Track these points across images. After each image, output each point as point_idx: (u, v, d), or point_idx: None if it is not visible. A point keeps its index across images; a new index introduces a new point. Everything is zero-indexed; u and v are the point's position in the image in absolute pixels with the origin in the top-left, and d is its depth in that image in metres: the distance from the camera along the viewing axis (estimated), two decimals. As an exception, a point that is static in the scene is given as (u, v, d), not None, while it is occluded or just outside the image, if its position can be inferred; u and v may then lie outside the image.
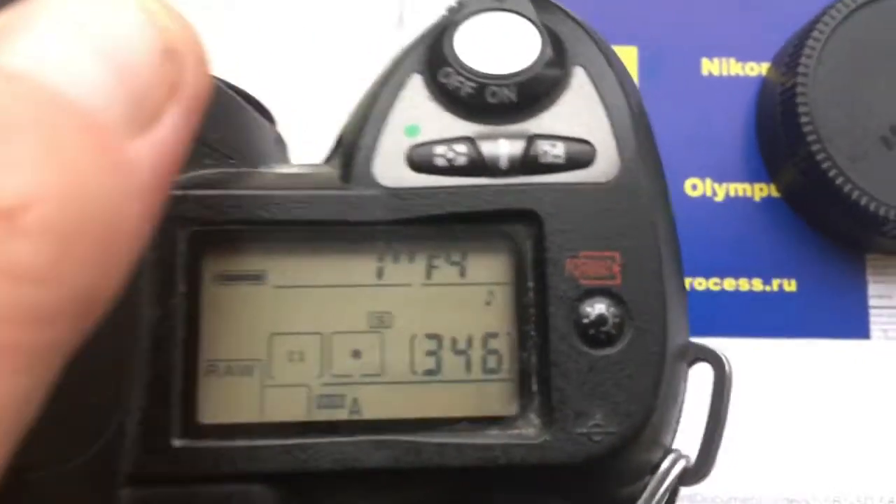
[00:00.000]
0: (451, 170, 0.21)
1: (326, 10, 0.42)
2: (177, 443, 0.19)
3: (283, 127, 0.31)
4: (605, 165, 0.21)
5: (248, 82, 0.27)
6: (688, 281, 0.38)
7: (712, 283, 0.38)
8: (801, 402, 0.37)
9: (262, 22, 0.41)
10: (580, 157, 0.21)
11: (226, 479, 0.19)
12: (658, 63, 0.40)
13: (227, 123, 0.24)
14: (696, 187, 0.39)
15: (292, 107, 0.31)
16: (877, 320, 0.38)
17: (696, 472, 0.21)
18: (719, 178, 0.39)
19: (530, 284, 0.21)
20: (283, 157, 0.28)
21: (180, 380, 0.20)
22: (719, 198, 0.39)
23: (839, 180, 0.35)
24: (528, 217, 0.21)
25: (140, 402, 0.19)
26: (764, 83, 0.39)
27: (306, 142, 0.30)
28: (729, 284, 0.38)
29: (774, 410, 0.36)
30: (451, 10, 0.23)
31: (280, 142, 0.28)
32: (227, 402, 0.20)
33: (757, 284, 0.38)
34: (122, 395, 0.19)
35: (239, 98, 0.25)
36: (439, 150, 0.21)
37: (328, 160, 0.24)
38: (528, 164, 0.21)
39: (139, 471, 0.19)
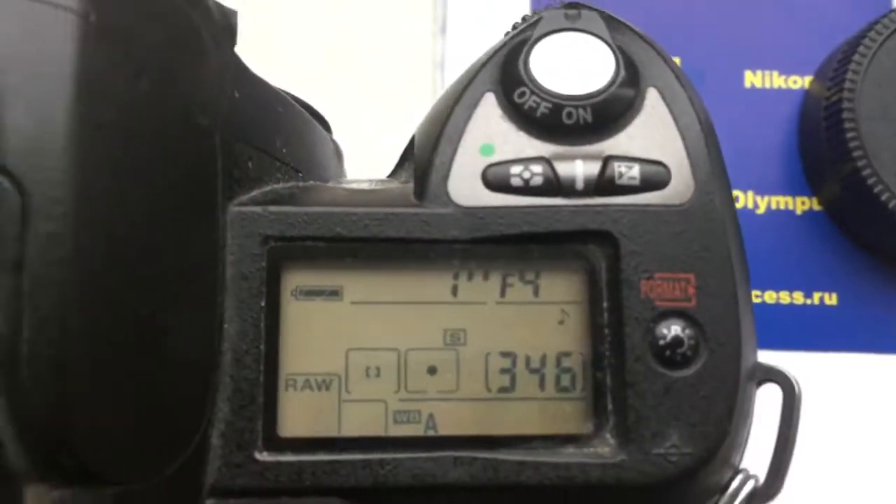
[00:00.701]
0: (526, 190, 0.21)
1: (367, 15, 0.42)
2: (259, 456, 0.19)
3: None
4: (680, 187, 0.21)
5: (292, 89, 0.28)
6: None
7: (753, 296, 0.38)
8: (842, 416, 0.37)
9: (303, 29, 0.41)
10: (655, 178, 0.21)
11: (306, 492, 0.20)
12: (701, 75, 0.40)
13: (295, 136, 0.24)
14: (737, 199, 0.39)
15: (334, 114, 0.31)
16: (918, 335, 0.38)
17: (766, 492, 0.22)
18: (761, 191, 0.39)
19: (605, 305, 0.21)
20: (340, 166, 0.29)
21: (262, 393, 0.20)
22: (761, 210, 0.39)
23: (885, 196, 0.35)
24: (604, 238, 0.21)
25: (223, 415, 0.19)
26: (807, 96, 0.39)
27: (350, 149, 0.30)
28: (770, 297, 0.38)
29: (813, 425, 0.36)
30: (520, 27, 0.23)
31: (338, 151, 0.28)
32: (306, 415, 0.20)
33: (798, 297, 0.38)
34: (206, 408, 0.19)
35: (304, 111, 0.25)
36: (515, 169, 0.21)
37: (394, 174, 0.24)
38: (603, 185, 0.21)
39: (222, 483, 0.19)
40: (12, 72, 0.16)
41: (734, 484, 0.21)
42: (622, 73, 0.21)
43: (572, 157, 0.21)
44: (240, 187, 0.21)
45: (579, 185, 0.21)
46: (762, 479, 0.22)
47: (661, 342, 0.20)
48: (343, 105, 0.38)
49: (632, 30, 0.23)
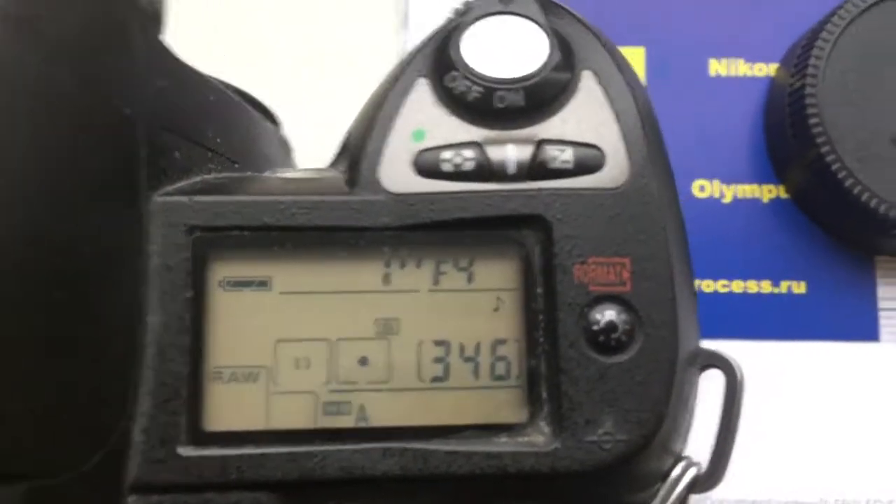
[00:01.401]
0: (458, 175, 0.21)
1: (330, 11, 0.41)
2: (182, 451, 0.19)
3: (289, 130, 0.31)
4: (615, 171, 0.21)
5: (253, 85, 0.27)
6: (696, 283, 0.38)
7: (720, 286, 0.38)
8: (810, 404, 0.36)
9: (267, 25, 0.41)
10: (589, 162, 0.21)
11: (232, 487, 0.19)
12: (666, 64, 0.40)
13: (231, 127, 0.24)
14: (703, 189, 0.39)
15: (297, 109, 0.31)
16: (886, 322, 0.37)
17: (708, 479, 0.21)
18: (727, 180, 0.39)
19: (539, 290, 0.20)
20: (287, 159, 0.28)
21: (186, 386, 0.19)
22: (727, 199, 0.38)
23: (848, 182, 0.35)
24: (537, 222, 0.20)
25: (145, 410, 0.19)
26: (772, 84, 0.39)
27: (311, 144, 0.30)
28: (737, 286, 0.38)
29: (783, 413, 0.36)
30: (457, 13, 0.23)
31: (285, 144, 0.28)
32: (232, 409, 0.20)
33: (766, 286, 0.38)
34: (127, 402, 0.19)
35: (243, 101, 0.25)
36: (446, 155, 0.21)
37: (333, 164, 0.24)
38: (536, 169, 0.21)
39: (144, 479, 0.19)
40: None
41: (675, 471, 0.21)
42: (556, 56, 0.21)
43: (504, 142, 0.21)
44: (166, 177, 0.20)
45: (511, 169, 0.21)
46: (705, 466, 0.21)
47: (595, 327, 0.20)
48: (306, 100, 0.38)
49: (568, 12, 0.22)
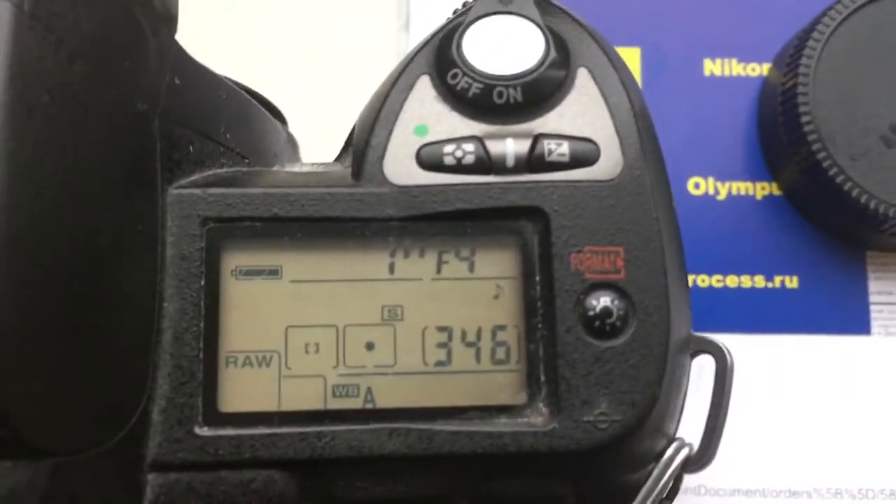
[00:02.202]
0: (459, 168, 0.22)
1: (333, 12, 0.42)
2: (199, 430, 0.20)
3: (294, 127, 0.32)
4: (609, 163, 0.22)
5: (260, 84, 0.28)
6: (691, 278, 0.38)
7: (715, 280, 0.39)
8: (803, 396, 0.37)
9: (270, 25, 0.42)
10: (585, 155, 0.22)
11: (246, 465, 0.20)
12: (661, 64, 0.40)
13: (242, 124, 0.25)
14: (698, 186, 0.39)
15: (303, 107, 0.32)
16: (877, 316, 0.38)
17: (699, 459, 0.22)
18: (721, 177, 0.39)
19: (537, 278, 0.21)
20: (294, 156, 0.29)
21: (201, 370, 0.20)
22: (721, 196, 0.39)
23: (839, 179, 0.35)
24: (535, 213, 0.21)
25: (163, 392, 0.20)
26: (765, 83, 0.40)
27: (315, 142, 0.31)
28: (731, 281, 0.39)
29: (777, 405, 0.37)
30: (458, 13, 0.24)
31: (292, 141, 0.29)
32: (246, 391, 0.21)
33: (759, 281, 0.39)
34: (146, 383, 0.20)
35: (253, 100, 0.26)
36: (448, 148, 0.22)
37: (339, 158, 0.24)
38: (534, 162, 0.22)
39: (163, 457, 0.20)
40: (-55, 57, 0.17)
41: (668, 452, 0.22)
42: (552, 53, 0.22)
43: (503, 136, 0.22)
44: (181, 170, 0.21)
45: (510, 162, 0.22)
46: (696, 447, 0.22)
47: (591, 313, 0.21)
48: (310, 99, 0.39)
49: (565, 12, 0.23)
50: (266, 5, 0.42)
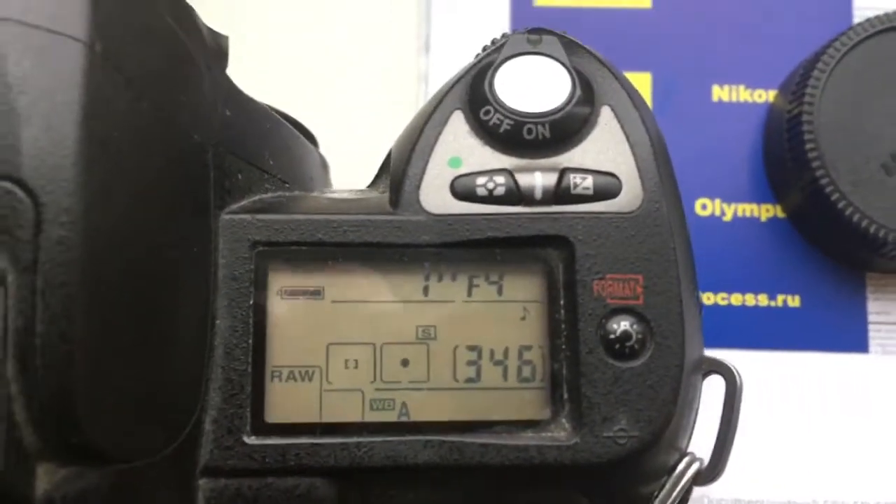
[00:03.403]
0: (490, 199, 0.23)
1: (357, 35, 0.44)
2: (247, 439, 0.22)
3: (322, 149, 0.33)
4: (630, 196, 0.23)
5: (283, 106, 0.30)
6: (697, 296, 0.40)
7: (720, 298, 0.40)
8: (803, 411, 0.39)
9: (296, 49, 0.43)
10: (608, 188, 0.23)
11: (290, 472, 0.22)
12: (671, 89, 0.42)
13: (283, 150, 0.26)
14: (705, 207, 0.41)
15: (326, 128, 0.33)
16: (875, 335, 0.40)
17: (709, 473, 0.24)
18: (728, 199, 0.41)
19: (562, 303, 0.23)
20: (326, 177, 0.31)
21: (250, 383, 0.22)
22: (728, 217, 0.41)
23: (841, 204, 0.37)
24: (560, 242, 0.23)
25: (215, 403, 0.22)
26: (771, 110, 0.41)
27: (340, 162, 0.32)
28: (736, 299, 0.40)
29: (778, 419, 0.38)
30: (489, 50, 0.25)
31: (324, 164, 0.31)
32: (290, 403, 0.22)
33: (762, 300, 0.40)
34: (200, 396, 0.21)
35: (291, 126, 0.28)
36: (480, 180, 0.23)
37: (373, 184, 0.26)
38: (560, 194, 0.23)
39: (214, 463, 0.21)
40: (28, 95, 0.18)
41: (681, 465, 0.23)
42: (578, 92, 0.24)
43: (532, 170, 0.23)
44: (230, 197, 0.23)
45: (538, 194, 0.23)
46: (707, 461, 0.24)
47: (612, 336, 0.22)
48: (333, 119, 0.40)
49: (590, 53, 0.25)
50: (287, 26, 0.44)
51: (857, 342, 0.39)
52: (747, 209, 0.41)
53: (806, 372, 0.39)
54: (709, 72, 0.42)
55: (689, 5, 0.43)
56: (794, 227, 0.40)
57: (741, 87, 0.42)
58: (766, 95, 0.42)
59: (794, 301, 0.40)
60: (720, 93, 0.42)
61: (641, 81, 0.42)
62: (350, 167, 0.32)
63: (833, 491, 0.38)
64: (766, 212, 0.41)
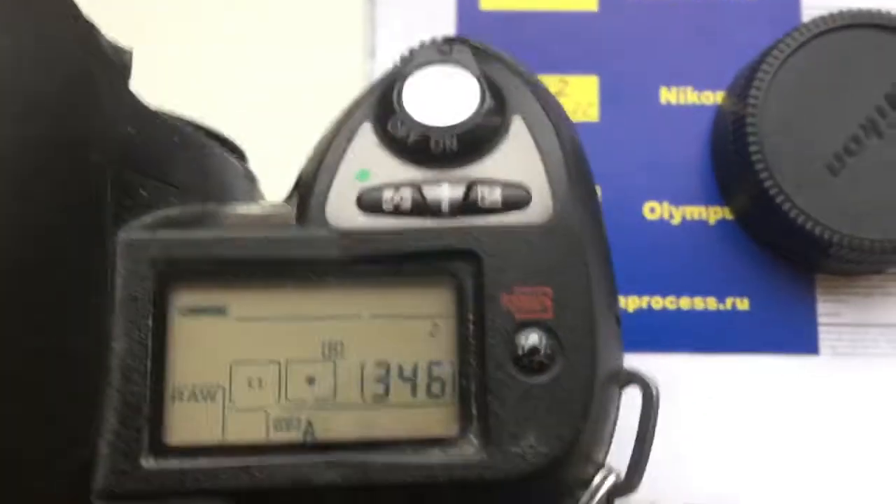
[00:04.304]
0: (397, 212, 0.23)
1: (302, 42, 0.43)
2: (145, 463, 0.21)
3: (254, 159, 0.33)
4: (540, 208, 0.23)
5: (219, 116, 0.29)
6: (645, 300, 0.40)
7: (669, 302, 0.40)
8: (753, 415, 0.38)
9: (233, 57, 0.43)
10: (516, 200, 0.23)
11: (190, 495, 0.21)
12: (618, 92, 0.42)
13: (195, 165, 0.26)
14: (654, 210, 0.41)
15: (263, 139, 0.33)
16: (826, 337, 0.39)
17: (626, 485, 0.23)
18: (676, 202, 0.41)
19: (470, 317, 0.23)
20: (253, 190, 0.30)
21: (149, 405, 0.21)
22: (676, 220, 0.41)
23: (786, 206, 0.37)
24: (468, 255, 0.23)
25: (110, 426, 0.21)
26: (718, 112, 0.41)
27: (277, 174, 0.32)
28: (685, 303, 0.40)
29: (727, 423, 0.38)
30: (403, 60, 0.25)
31: (249, 176, 0.30)
32: (191, 424, 0.22)
33: (711, 303, 0.40)
34: (94, 419, 0.21)
35: (207, 138, 0.27)
36: (387, 194, 0.23)
37: (288, 198, 0.26)
38: (467, 206, 0.23)
39: (109, 488, 0.21)
40: None
41: (596, 479, 0.23)
42: (487, 103, 0.23)
43: (439, 182, 0.23)
44: (130, 214, 0.22)
45: (445, 207, 0.23)
46: (623, 473, 0.24)
47: (520, 351, 0.22)
48: (275, 127, 0.40)
49: (502, 60, 0.25)
50: (228, 34, 0.43)
51: (807, 344, 0.39)
52: (696, 212, 0.41)
53: (756, 374, 0.39)
54: (656, 74, 0.42)
55: (636, 8, 0.42)
56: (742, 230, 0.40)
57: (689, 89, 0.42)
58: (714, 97, 0.41)
59: (743, 304, 0.40)
60: (668, 95, 0.42)
61: (588, 84, 0.42)
62: (290, 179, 0.32)
63: (784, 495, 0.38)
64: (714, 214, 0.41)
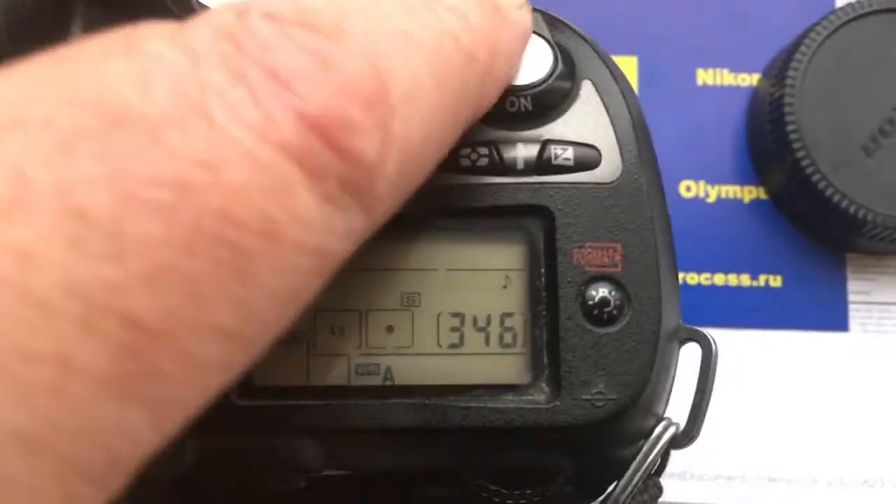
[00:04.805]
0: (474, 169, 0.24)
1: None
2: (236, 401, 0.22)
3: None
4: (610, 168, 0.24)
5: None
6: (681, 276, 0.41)
7: (704, 278, 0.41)
8: (784, 389, 0.39)
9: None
10: (587, 160, 0.24)
11: (277, 433, 0.22)
12: (656, 73, 0.43)
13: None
14: (690, 189, 0.42)
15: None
16: (855, 315, 0.40)
17: (685, 437, 0.24)
18: (712, 181, 0.42)
19: (542, 271, 0.24)
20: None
21: None
22: (711, 199, 0.42)
23: (822, 185, 0.38)
24: (541, 212, 0.24)
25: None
26: (754, 93, 0.42)
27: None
28: (719, 279, 0.41)
29: (759, 396, 0.39)
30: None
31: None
32: (278, 367, 0.23)
33: (745, 280, 0.41)
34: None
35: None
36: (464, 152, 0.24)
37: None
38: (541, 165, 0.24)
39: (204, 424, 0.22)
40: None
41: (658, 429, 0.24)
42: (560, 67, 0.24)
43: (514, 141, 0.24)
44: None
45: (520, 165, 0.24)
46: (682, 426, 0.25)
47: (590, 303, 0.23)
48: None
49: (571, 29, 0.25)
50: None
51: (837, 321, 0.40)
52: (731, 191, 0.42)
53: (787, 350, 0.40)
54: (694, 56, 0.43)
55: (676, -10, 0.43)
56: (776, 209, 0.41)
57: (725, 71, 0.42)
58: (750, 79, 0.42)
59: (775, 281, 0.41)
60: (705, 76, 0.42)
61: (628, 65, 0.43)
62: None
63: (812, 466, 0.39)
64: (749, 193, 0.41)
